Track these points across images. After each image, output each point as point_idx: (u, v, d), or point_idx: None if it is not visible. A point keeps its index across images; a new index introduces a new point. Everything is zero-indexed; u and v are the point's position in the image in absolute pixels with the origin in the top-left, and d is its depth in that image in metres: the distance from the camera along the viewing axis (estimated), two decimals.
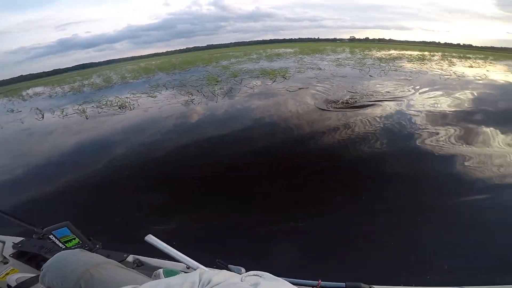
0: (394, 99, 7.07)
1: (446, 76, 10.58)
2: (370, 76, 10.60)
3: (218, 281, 0.60)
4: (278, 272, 1.00)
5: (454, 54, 25.15)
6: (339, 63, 15.44)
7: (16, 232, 1.60)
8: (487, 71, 12.95)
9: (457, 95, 7.41)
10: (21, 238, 1.51)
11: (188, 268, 1.08)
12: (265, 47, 47.70)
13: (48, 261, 0.84)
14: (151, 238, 1.04)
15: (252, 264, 1.06)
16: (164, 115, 7.20)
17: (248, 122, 5.96)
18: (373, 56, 20.52)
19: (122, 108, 8.60)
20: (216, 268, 1.02)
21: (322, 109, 6.44)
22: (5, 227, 1.52)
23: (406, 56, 21.25)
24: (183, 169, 4.08)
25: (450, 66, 14.80)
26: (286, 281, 0.65)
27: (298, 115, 6.11)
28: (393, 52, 25.64)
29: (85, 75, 26.50)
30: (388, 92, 7.80)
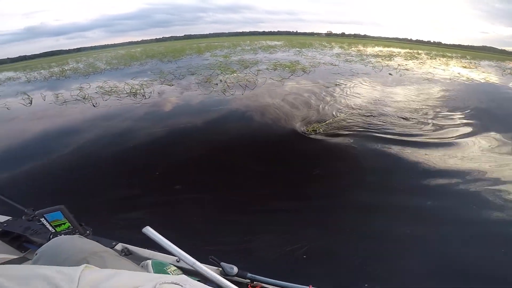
0: None
1: (457, 78, 10.77)
2: (390, 74, 10.55)
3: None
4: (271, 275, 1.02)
5: (434, 53, 26.64)
6: (345, 59, 15.32)
7: (5, 211, 1.46)
8: (482, 72, 13.72)
9: None
10: (8, 218, 1.41)
11: (178, 261, 1.09)
12: (246, 39, 46.81)
13: (43, 246, 0.79)
14: (148, 230, 1.00)
15: (243, 262, 1.07)
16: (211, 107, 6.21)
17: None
18: (367, 53, 20.86)
19: (135, 95, 7.65)
20: (209, 265, 1.05)
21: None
22: None
23: (396, 53, 21.96)
24: None
25: (447, 66, 15.46)
26: None
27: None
28: (382, 49, 26.52)
29: (59, 61, 23.85)
30: None
